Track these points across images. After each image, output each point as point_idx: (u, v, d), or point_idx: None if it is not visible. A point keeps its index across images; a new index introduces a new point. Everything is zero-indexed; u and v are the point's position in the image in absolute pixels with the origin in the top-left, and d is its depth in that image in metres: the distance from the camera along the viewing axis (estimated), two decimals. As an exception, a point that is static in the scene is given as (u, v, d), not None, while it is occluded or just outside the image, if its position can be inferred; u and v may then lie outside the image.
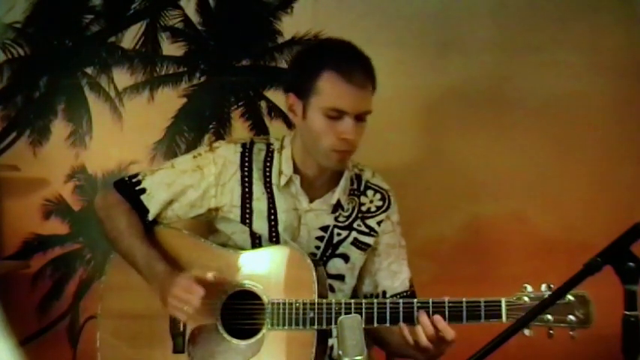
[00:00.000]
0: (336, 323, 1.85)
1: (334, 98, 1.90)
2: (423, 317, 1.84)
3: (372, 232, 2.10)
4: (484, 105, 2.72)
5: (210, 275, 1.87)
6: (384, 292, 2.10)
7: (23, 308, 2.73)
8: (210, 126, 2.77)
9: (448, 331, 1.84)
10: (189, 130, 2.77)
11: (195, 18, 2.76)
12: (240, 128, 2.75)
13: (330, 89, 1.91)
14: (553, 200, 2.71)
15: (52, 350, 2.75)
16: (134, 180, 2.08)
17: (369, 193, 2.12)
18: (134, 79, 2.75)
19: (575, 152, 2.71)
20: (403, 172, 2.66)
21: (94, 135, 2.76)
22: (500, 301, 1.82)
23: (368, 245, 2.10)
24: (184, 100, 2.76)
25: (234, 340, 1.93)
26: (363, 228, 2.09)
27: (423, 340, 1.84)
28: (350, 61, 1.93)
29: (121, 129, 2.76)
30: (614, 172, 2.70)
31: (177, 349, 1.95)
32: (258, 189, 2.04)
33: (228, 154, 2.06)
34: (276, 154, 2.06)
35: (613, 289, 1.40)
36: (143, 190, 2.06)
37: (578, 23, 2.70)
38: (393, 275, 2.11)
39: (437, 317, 1.84)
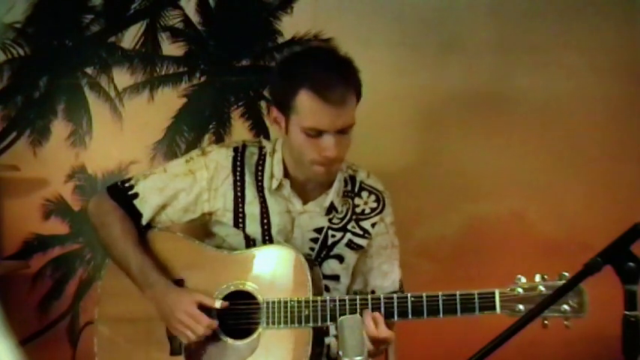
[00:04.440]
0: (331, 320, 1.88)
1: (312, 119, 1.86)
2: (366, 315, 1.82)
3: (365, 235, 2.09)
4: (484, 105, 2.72)
5: (218, 304, 1.90)
6: (373, 292, 2.10)
7: (23, 308, 2.73)
8: (210, 126, 2.76)
9: (383, 330, 1.83)
10: (189, 130, 2.76)
11: (195, 18, 2.75)
12: (240, 128, 2.75)
13: (307, 110, 1.86)
14: (553, 200, 2.71)
15: (52, 350, 2.75)
16: (127, 185, 2.08)
17: (364, 194, 2.11)
18: (134, 79, 2.75)
19: (575, 152, 2.71)
20: (403, 172, 2.66)
21: (94, 135, 2.75)
22: (493, 293, 1.84)
23: (361, 247, 2.10)
24: (184, 100, 2.76)
25: (231, 340, 1.94)
26: (357, 230, 2.08)
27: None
28: (327, 77, 1.85)
29: (120, 129, 2.75)
30: (613, 172, 2.70)
31: (175, 351, 1.96)
32: (250, 193, 2.04)
33: (220, 158, 2.05)
34: (268, 158, 2.05)
35: (613, 289, 1.40)
36: (136, 195, 2.05)
37: (578, 23, 2.70)
38: (384, 275, 2.11)
39: (376, 314, 1.84)
